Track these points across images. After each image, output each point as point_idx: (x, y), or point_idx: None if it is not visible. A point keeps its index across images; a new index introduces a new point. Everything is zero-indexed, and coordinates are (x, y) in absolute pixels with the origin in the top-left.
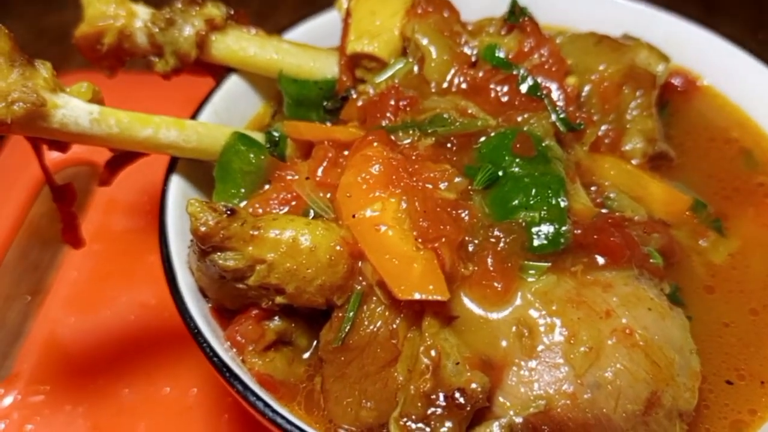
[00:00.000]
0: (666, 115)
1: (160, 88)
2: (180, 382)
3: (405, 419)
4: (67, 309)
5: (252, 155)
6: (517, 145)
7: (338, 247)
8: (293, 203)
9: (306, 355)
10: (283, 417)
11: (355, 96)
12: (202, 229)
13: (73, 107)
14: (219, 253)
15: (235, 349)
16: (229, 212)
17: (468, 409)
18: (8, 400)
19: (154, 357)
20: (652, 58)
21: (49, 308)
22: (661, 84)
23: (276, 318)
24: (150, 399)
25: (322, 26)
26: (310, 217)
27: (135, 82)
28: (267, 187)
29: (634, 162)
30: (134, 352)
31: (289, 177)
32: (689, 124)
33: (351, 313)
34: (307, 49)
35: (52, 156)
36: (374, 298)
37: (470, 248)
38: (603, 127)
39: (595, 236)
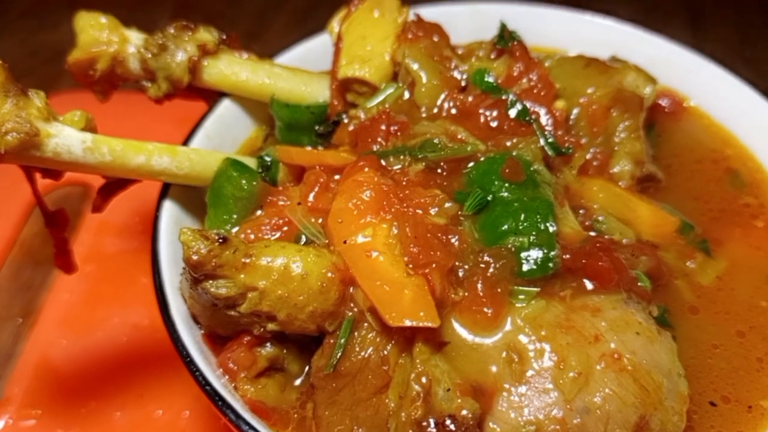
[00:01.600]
0: (653, 137)
1: (154, 106)
2: (172, 405)
3: None
4: (59, 331)
5: (244, 181)
6: (506, 170)
7: (330, 274)
8: (285, 228)
9: (298, 382)
10: None
11: (346, 120)
12: (194, 257)
13: (66, 136)
14: (211, 281)
15: (227, 376)
16: (221, 240)
17: None
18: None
19: (146, 379)
20: (640, 80)
21: (41, 330)
22: (649, 106)
23: (268, 345)
24: (142, 422)
25: (313, 50)
26: (302, 243)
27: (129, 101)
28: (259, 212)
29: (622, 184)
30: (126, 375)
31: (281, 202)
32: (676, 146)
33: (342, 340)
34: (299, 74)
35: (55, 181)
36: (365, 324)
37: (460, 273)
38: (591, 150)
39: (584, 261)
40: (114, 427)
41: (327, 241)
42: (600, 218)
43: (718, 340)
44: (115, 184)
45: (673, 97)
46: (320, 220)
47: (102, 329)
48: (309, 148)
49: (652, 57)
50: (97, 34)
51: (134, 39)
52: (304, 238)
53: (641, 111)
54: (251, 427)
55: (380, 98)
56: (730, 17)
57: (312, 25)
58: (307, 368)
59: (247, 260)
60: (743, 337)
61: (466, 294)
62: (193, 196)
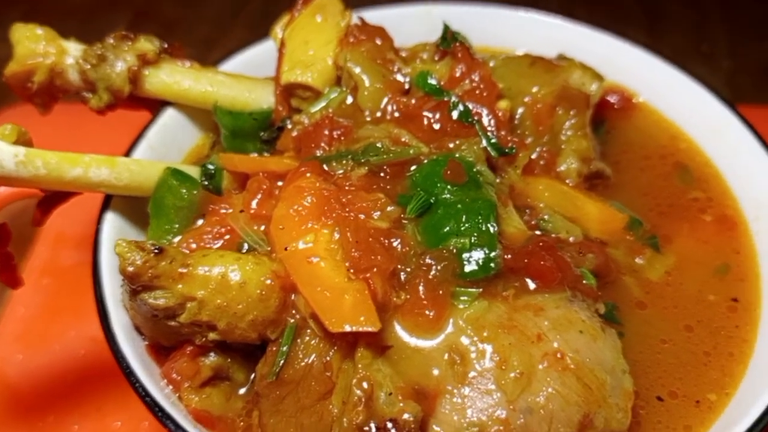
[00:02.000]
0: (602, 134)
1: (98, 118)
2: (131, 416)
3: None
4: (15, 346)
5: (184, 190)
6: (448, 172)
7: (269, 281)
8: (227, 237)
9: (243, 391)
10: None
11: (290, 126)
12: (130, 269)
13: None
14: (149, 292)
15: (171, 387)
16: (156, 251)
17: None
18: None
19: (104, 391)
20: (586, 77)
21: None
22: (596, 103)
23: (212, 354)
24: None
25: (258, 56)
26: (245, 251)
27: (76, 114)
28: (201, 221)
29: (569, 182)
30: (84, 387)
31: (223, 211)
32: (625, 142)
33: (285, 347)
34: (243, 80)
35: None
36: (308, 330)
37: (402, 277)
38: (537, 149)
39: (526, 260)
40: None
41: (269, 249)
42: (546, 217)
43: (667, 335)
44: (55, 196)
45: (623, 94)
46: (263, 228)
47: (59, 342)
48: (253, 155)
49: (601, 55)
50: (34, 46)
51: (72, 50)
52: (246, 246)
53: (587, 108)
54: None
55: (323, 103)
56: (688, 12)
57: (268, 31)
58: (252, 376)
59: (185, 270)
60: (691, 332)
61: (408, 297)
62: (136, 207)
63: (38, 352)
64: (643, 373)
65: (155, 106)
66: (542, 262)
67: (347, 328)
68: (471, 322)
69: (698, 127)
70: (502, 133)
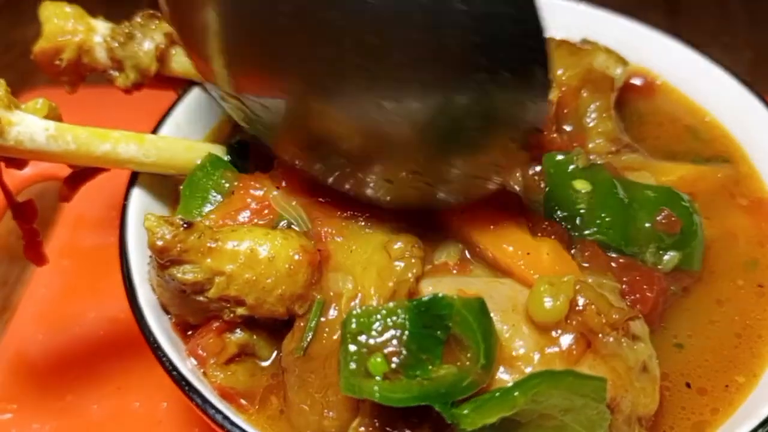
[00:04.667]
0: (627, 117)
1: (124, 100)
2: (149, 397)
3: (363, 428)
4: (36, 326)
5: (224, 181)
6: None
7: (297, 256)
8: (266, 213)
9: (266, 364)
10: (242, 430)
11: None
12: (159, 243)
13: (29, 124)
14: (177, 267)
15: (196, 363)
16: (185, 225)
17: None
18: None
19: (123, 372)
20: (610, 61)
21: (17, 325)
22: (620, 87)
23: (238, 330)
24: (119, 414)
25: None
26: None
27: (99, 96)
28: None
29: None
30: (103, 368)
31: (252, 191)
32: (649, 122)
33: (313, 323)
34: None
35: (20, 172)
36: (333, 306)
37: None
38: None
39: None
40: (91, 420)
41: (310, 227)
42: None
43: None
44: (83, 173)
45: (645, 77)
46: (293, 203)
47: (78, 323)
48: None
49: (623, 40)
50: (63, 24)
51: (101, 28)
52: (283, 224)
53: (612, 91)
54: (218, 411)
55: None
56: (708, 2)
57: None
58: (275, 353)
59: (213, 245)
60: (722, 306)
61: None
62: (162, 185)
63: (58, 332)
64: (670, 356)
65: (180, 85)
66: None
67: None
68: None
69: (721, 110)
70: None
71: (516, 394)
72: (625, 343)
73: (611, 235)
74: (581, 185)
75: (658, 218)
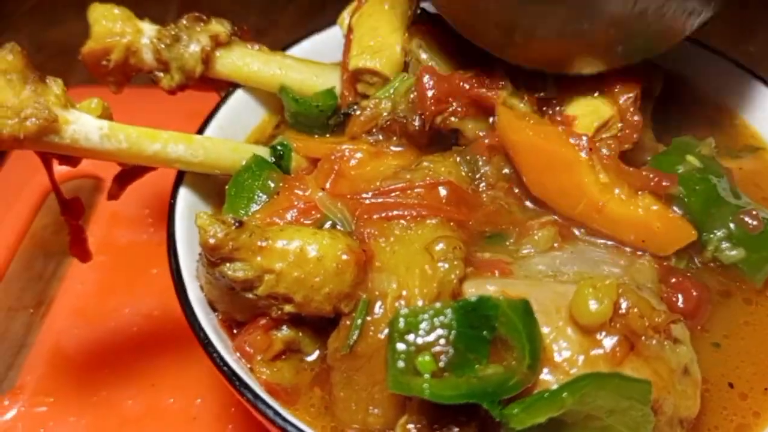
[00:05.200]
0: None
1: (163, 101)
2: (184, 393)
3: (412, 426)
4: (71, 320)
5: (270, 182)
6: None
7: (344, 256)
8: (303, 215)
9: (310, 359)
10: (293, 425)
11: (358, 112)
12: (211, 241)
13: (84, 123)
14: (228, 264)
15: (243, 359)
16: (237, 224)
17: None
18: (12, 412)
19: (157, 368)
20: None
21: (53, 320)
22: (657, 96)
23: (284, 327)
24: (154, 410)
25: (325, 42)
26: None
27: (138, 96)
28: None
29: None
30: (138, 364)
31: (298, 191)
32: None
33: (359, 321)
34: (310, 65)
35: (56, 170)
36: (378, 305)
37: None
38: None
39: None
40: (125, 415)
41: (354, 228)
42: None
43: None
44: (131, 171)
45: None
46: (338, 205)
47: (113, 319)
48: (328, 137)
49: None
50: (111, 25)
51: (147, 30)
52: (328, 225)
53: (650, 98)
54: (269, 406)
55: (391, 89)
56: (733, 10)
57: (319, 21)
58: (317, 351)
59: (264, 243)
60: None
61: None
62: (207, 184)
63: (93, 327)
64: (710, 357)
65: (222, 87)
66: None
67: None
68: None
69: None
70: None
71: (564, 395)
72: (667, 346)
73: (693, 203)
74: (692, 160)
75: (742, 215)
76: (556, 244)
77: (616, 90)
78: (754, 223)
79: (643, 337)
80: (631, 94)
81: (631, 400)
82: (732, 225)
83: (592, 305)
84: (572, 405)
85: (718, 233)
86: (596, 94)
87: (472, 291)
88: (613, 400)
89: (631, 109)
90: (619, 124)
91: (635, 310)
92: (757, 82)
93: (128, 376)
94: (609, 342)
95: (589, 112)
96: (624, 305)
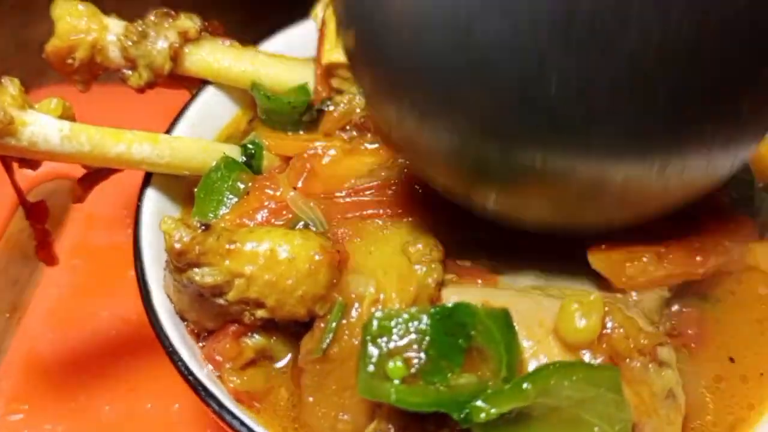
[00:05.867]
0: None
1: (137, 98)
2: (162, 398)
3: None
4: (47, 325)
5: (240, 183)
6: None
7: (317, 256)
8: (274, 216)
9: (281, 364)
10: None
11: (331, 108)
12: (177, 245)
13: (43, 124)
14: (196, 270)
15: (212, 368)
16: (203, 227)
17: None
18: None
19: (135, 373)
20: None
21: (29, 325)
22: None
23: (255, 335)
24: (131, 415)
25: (298, 36)
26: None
27: (112, 94)
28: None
29: None
30: (115, 368)
31: (268, 191)
32: None
33: (333, 324)
34: (283, 60)
35: (30, 171)
36: (354, 309)
37: None
38: None
39: None
40: (103, 421)
41: (327, 228)
42: None
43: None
44: (96, 173)
45: None
46: (311, 204)
47: (90, 323)
48: (302, 134)
49: None
50: (76, 22)
51: (114, 27)
52: (301, 225)
53: None
54: (234, 416)
55: None
56: None
57: (305, 13)
58: (289, 356)
59: (232, 246)
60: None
61: None
62: (177, 186)
63: (70, 332)
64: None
65: (194, 84)
66: None
67: None
68: None
69: None
70: None
71: (526, 385)
72: (652, 369)
73: None
74: None
75: None
76: None
77: None
78: None
79: (627, 360)
80: None
81: (599, 387)
82: None
83: (580, 322)
84: (537, 397)
85: None
86: None
87: (453, 298)
88: (580, 389)
89: None
90: None
91: (620, 330)
92: None
93: (105, 381)
94: (592, 362)
95: None
96: (609, 325)
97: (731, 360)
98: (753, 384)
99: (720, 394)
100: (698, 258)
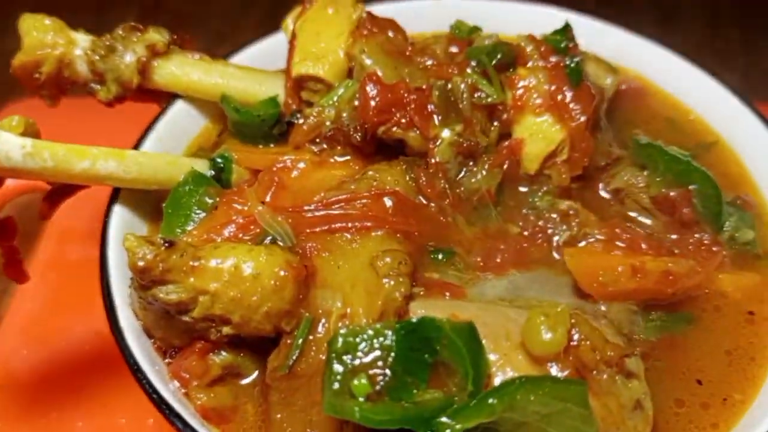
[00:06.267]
0: (618, 124)
1: (108, 111)
2: (136, 413)
3: None
4: (21, 340)
5: (207, 197)
6: None
7: (282, 272)
8: (242, 230)
9: (246, 381)
10: None
11: (300, 121)
12: (140, 263)
13: (4, 141)
14: (160, 287)
15: (179, 385)
16: (167, 244)
17: None
18: None
19: (109, 388)
20: (600, 70)
21: (2, 340)
22: (610, 97)
23: (222, 352)
24: (105, 431)
25: (269, 48)
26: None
27: (83, 107)
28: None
29: None
30: (89, 384)
31: (236, 205)
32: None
33: (300, 340)
34: (253, 73)
35: (5, 184)
36: (321, 326)
37: None
38: None
39: None
40: None
41: (295, 242)
42: None
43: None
44: (61, 189)
45: (633, 82)
46: (279, 218)
47: (64, 338)
48: (272, 147)
49: (613, 49)
50: (42, 37)
51: (81, 41)
52: (269, 240)
53: (602, 101)
54: None
55: (335, 96)
56: (701, 8)
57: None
58: (256, 372)
59: (196, 263)
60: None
61: None
62: (145, 201)
63: (43, 346)
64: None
65: (164, 98)
66: None
67: None
68: None
69: (713, 118)
70: None
71: (492, 400)
72: (619, 381)
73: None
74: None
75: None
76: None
77: (567, 113)
78: (748, 200)
79: (594, 371)
80: (583, 117)
81: (566, 402)
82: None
83: (545, 335)
84: (503, 412)
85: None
86: (547, 115)
87: (420, 312)
88: (546, 404)
89: (583, 133)
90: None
91: (587, 342)
92: (710, 79)
93: (79, 396)
94: (559, 374)
95: (538, 135)
96: (576, 337)
97: (699, 382)
98: (715, 410)
99: (678, 419)
100: (670, 278)
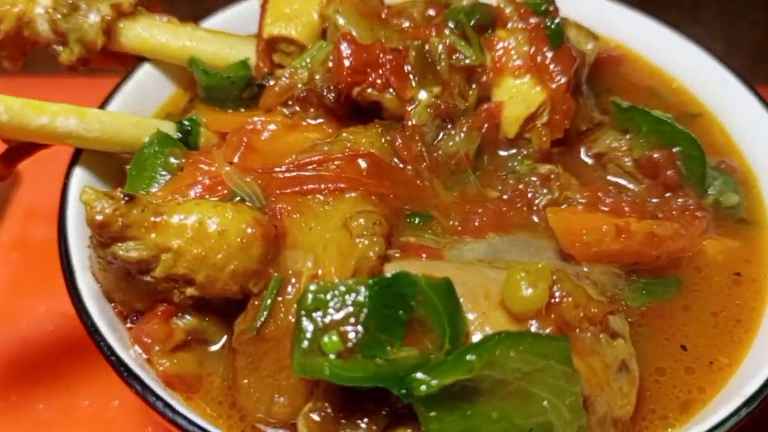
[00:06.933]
0: (597, 88)
1: (69, 91)
2: (100, 395)
3: (315, 414)
4: None
5: (172, 158)
6: None
7: (250, 229)
8: (208, 191)
9: (216, 348)
10: (185, 417)
11: (272, 83)
12: (98, 218)
13: None
14: (120, 244)
15: (141, 351)
16: (127, 198)
17: None
18: None
19: (72, 369)
20: (581, 36)
21: None
22: (591, 62)
23: (186, 316)
24: (68, 413)
25: (241, 14)
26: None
27: (43, 85)
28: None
29: None
30: (52, 365)
31: (203, 166)
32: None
33: (268, 301)
34: (223, 36)
35: None
36: (291, 286)
37: None
38: None
39: None
40: (38, 420)
41: (265, 203)
42: None
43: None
44: (19, 148)
45: (614, 50)
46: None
47: (27, 319)
48: (240, 111)
49: (593, 15)
50: None
51: None
52: (238, 200)
53: (584, 67)
54: (158, 398)
55: (308, 57)
56: None
57: None
58: (224, 338)
59: (158, 219)
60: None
61: None
62: (108, 164)
63: (5, 328)
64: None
65: (130, 61)
66: None
67: None
68: None
69: (694, 83)
70: None
71: (470, 356)
72: (603, 340)
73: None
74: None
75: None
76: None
77: (547, 74)
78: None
79: (577, 330)
80: (563, 79)
81: (548, 359)
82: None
83: (526, 290)
84: (482, 369)
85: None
86: (527, 77)
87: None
88: (527, 361)
89: (563, 95)
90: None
91: (569, 299)
92: (695, 47)
93: (41, 378)
94: (540, 332)
95: (518, 98)
96: (557, 294)
97: (683, 348)
98: (701, 373)
99: (659, 386)
100: (655, 239)
